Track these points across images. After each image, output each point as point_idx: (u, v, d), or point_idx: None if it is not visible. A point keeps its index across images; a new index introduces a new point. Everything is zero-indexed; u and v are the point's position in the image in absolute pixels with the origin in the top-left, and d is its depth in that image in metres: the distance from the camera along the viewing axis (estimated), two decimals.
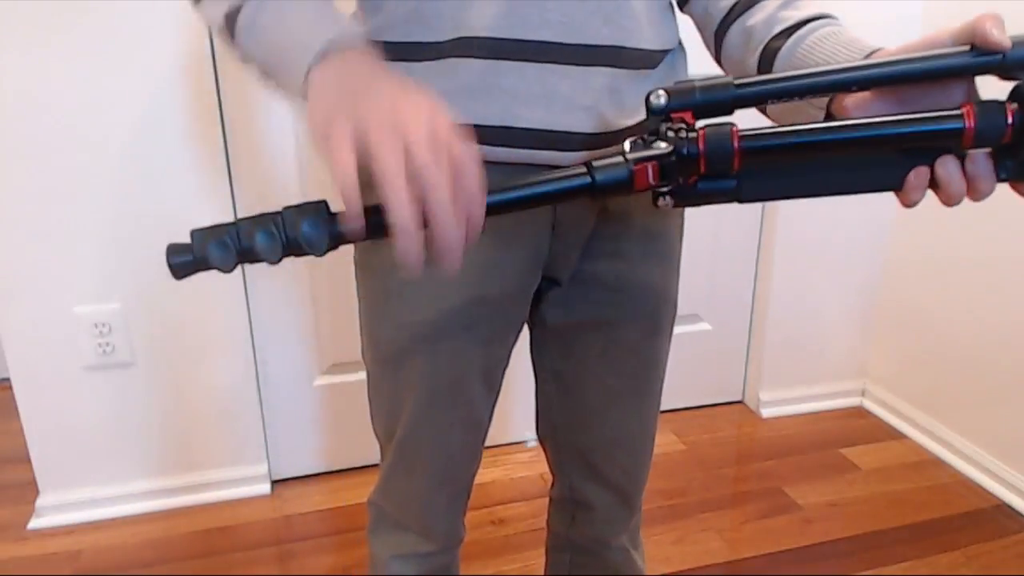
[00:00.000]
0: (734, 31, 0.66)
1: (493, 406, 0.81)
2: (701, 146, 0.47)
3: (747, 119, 0.49)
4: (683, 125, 0.49)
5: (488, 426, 0.82)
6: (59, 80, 1.26)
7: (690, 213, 0.73)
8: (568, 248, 0.72)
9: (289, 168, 1.44)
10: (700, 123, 0.50)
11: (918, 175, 0.49)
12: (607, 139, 0.65)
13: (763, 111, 0.62)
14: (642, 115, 0.67)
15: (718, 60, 0.70)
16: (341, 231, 0.44)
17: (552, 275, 0.74)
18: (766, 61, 0.62)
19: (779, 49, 0.61)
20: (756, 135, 0.48)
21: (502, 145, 0.62)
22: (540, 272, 0.73)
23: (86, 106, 1.28)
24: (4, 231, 1.32)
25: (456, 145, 0.45)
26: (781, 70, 0.60)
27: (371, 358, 0.78)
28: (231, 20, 0.57)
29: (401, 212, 0.43)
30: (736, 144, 0.47)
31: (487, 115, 0.62)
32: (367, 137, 0.44)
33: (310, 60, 0.51)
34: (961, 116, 0.46)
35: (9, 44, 1.23)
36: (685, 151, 0.47)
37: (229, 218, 0.42)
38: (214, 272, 0.45)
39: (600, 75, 0.62)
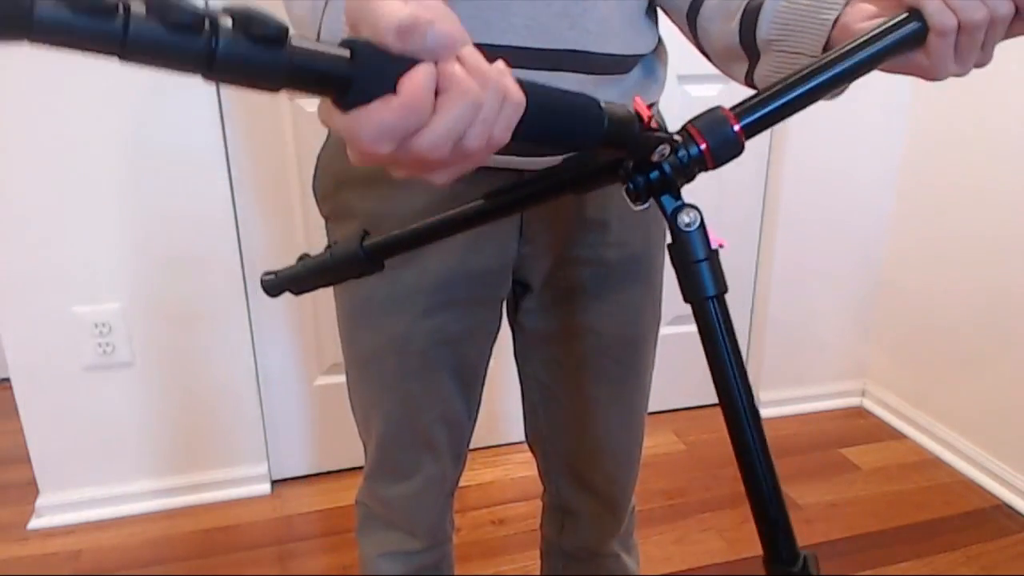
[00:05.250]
0: (709, 4, 0.63)
1: (476, 408, 0.81)
2: (702, 144, 0.43)
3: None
4: (658, 131, 0.44)
5: (471, 427, 0.82)
6: (59, 82, 1.26)
7: None
8: (538, 252, 0.72)
9: (289, 163, 1.44)
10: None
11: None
12: None
13: (750, 84, 0.60)
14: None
15: (695, 42, 0.67)
16: None
17: (523, 279, 0.74)
18: (748, 21, 0.59)
19: (762, 4, 0.58)
20: (750, 109, 0.45)
21: None
22: (509, 275, 0.73)
23: (86, 107, 1.28)
24: (5, 231, 1.32)
25: None
26: (766, 26, 0.57)
27: (349, 361, 0.79)
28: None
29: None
30: (737, 127, 0.44)
31: None
32: None
33: None
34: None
35: (10, 47, 1.23)
36: (687, 156, 0.43)
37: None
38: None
39: (567, 80, 0.61)
